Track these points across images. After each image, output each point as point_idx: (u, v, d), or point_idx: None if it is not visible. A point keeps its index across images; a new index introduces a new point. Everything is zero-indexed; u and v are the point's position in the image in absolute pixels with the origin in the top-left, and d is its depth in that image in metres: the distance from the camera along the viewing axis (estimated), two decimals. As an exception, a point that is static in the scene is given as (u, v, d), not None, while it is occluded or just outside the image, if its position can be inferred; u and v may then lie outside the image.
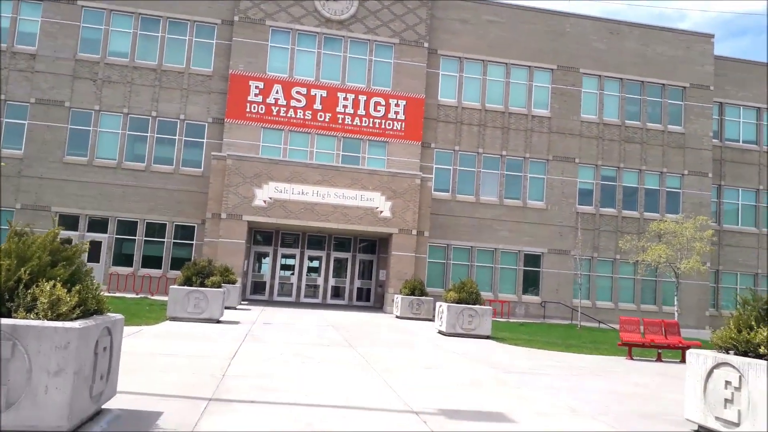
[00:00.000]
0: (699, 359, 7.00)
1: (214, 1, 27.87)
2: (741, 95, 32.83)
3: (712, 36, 31.77)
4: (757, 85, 32.90)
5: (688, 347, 15.29)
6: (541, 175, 29.90)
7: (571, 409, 7.74)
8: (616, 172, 30.61)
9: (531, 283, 29.37)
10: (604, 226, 30.08)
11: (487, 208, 29.18)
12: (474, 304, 16.89)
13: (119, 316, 5.95)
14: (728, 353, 6.84)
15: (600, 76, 30.73)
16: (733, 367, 6.48)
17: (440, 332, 17.12)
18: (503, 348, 14.85)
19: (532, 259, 29.40)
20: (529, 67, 30.19)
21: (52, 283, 4.72)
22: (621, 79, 30.93)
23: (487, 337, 16.73)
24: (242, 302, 24.13)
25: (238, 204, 24.44)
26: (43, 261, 4.61)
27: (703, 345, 17.74)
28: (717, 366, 6.71)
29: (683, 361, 15.06)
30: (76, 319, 5.02)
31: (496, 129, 29.68)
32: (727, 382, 6.51)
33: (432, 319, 21.44)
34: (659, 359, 14.82)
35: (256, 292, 28.10)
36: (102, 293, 5.66)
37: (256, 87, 27.49)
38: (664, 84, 31.22)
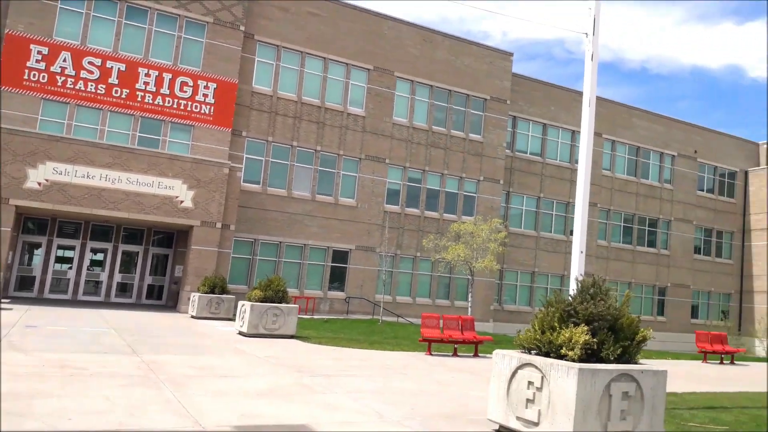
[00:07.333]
0: (504, 360, 6.96)
1: (-16, -59, 23.29)
2: (530, 111, 36.34)
3: (512, 54, 34.71)
4: (543, 103, 36.69)
5: (481, 342, 16.13)
6: (354, 173, 30.02)
7: (378, 415, 7.33)
8: (422, 174, 31.91)
9: (337, 278, 29.33)
10: (408, 225, 31.16)
11: (299, 203, 28.48)
12: (280, 302, 16.06)
13: None
14: (531, 353, 6.91)
15: (413, 81, 31.79)
16: (536, 367, 6.49)
17: (241, 333, 16.00)
18: (308, 348, 14.24)
19: (340, 256, 29.39)
20: (347, 64, 30.14)
21: None
22: (431, 86, 32.30)
23: (292, 337, 16.01)
24: (3, 300, 20.41)
25: (6, 185, 20.62)
26: None
27: (494, 339, 18.99)
28: (521, 366, 6.70)
29: (476, 355, 15.82)
30: None
31: (311, 123, 29.11)
32: (530, 383, 6.50)
33: (233, 319, 20.11)
34: (455, 354, 15.37)
35: (23, 289, 24.04)
36: None
37: (39, 52, 23.57)
38: (468, 94, 33.29)
